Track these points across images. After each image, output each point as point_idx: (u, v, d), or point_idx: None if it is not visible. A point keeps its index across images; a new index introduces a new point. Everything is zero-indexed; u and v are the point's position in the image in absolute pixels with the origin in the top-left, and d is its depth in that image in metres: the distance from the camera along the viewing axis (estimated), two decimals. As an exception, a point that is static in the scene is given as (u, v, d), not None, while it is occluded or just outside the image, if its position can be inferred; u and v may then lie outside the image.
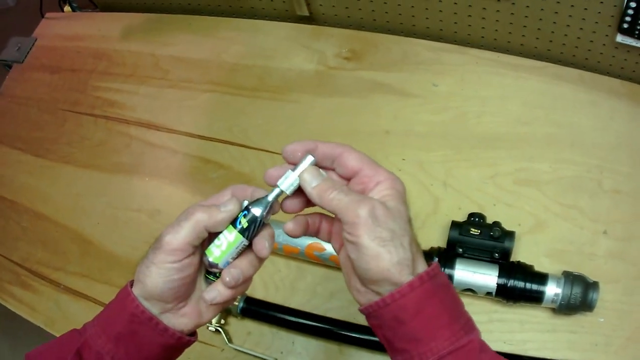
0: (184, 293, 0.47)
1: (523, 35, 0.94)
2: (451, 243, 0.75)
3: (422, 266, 0.44)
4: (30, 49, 1.24)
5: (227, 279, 0.47)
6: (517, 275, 0.71)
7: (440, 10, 0.96)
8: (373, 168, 0.46)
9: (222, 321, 0.82)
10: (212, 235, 0.47)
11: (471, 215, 0.78)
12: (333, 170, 0.48)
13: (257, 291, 0.84)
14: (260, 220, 0.46)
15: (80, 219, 1.00)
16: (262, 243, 0.47)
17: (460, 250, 0.74)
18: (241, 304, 0.81)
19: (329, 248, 0.80)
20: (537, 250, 0.77)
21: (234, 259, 0.48)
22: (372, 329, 0.47)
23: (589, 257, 0.76)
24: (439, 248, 0.77)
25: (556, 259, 0.76)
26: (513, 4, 0.88)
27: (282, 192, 0.47)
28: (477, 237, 0.74)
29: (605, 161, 0.82)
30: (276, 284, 0.85)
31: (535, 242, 0.78)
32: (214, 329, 0.81)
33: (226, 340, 0.81)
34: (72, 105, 1.14)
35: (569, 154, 0.84)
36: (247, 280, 0.49)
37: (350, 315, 0.79)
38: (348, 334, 0.78)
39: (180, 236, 0.44)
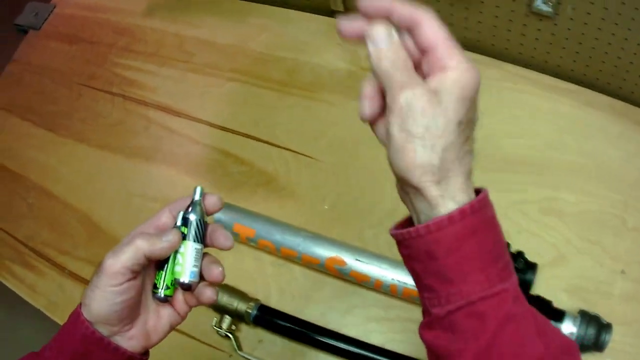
0: (128, 315, 0.49)
1: (560, 57, 0.93)
2: None
3: (457, 182, 0.39)
4: (48, 15, 1.22)
5: (209, 293, 0.50)
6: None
7: (480, 22, 0.94)
8: (447, 49, 0.40)
9: (233, 327, 0.81)
10: (156, 262, 0.50)
11: None
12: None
13: (272, 298, 0.83)
14: (198, 220, 0.50)
15: (90, 202, 0.99)
16: (218, 237, 0.50)
17: None
18: (254, 312, 0.80)
19: (350, 262, 0.79)
20: (555, 284, 0.77)
21: (198, 266, 0.50)
22: (402, 257, 0.44)
23: (605, 295, 0.76)
24: None
25: (573, 295, 0.76)
26: (555, 24, 0.87)
27: (202, 190, 0.51)
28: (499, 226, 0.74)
29: (630, 197, 0.81)
30: (292, 292, 0.84)
31: (554, 275, 0.77)
32: (224, 334, 0.80)
33: (235, 346, 0.80)
34: (89, 80, 1.12)
35: (595, 186, 0.83)
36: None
37: (366, 334, 0.78)
38: (362, 352, 0.76)
39: (120, 260, 0.46)
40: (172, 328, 0.53)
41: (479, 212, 0.39)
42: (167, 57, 1.09)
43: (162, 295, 0.50)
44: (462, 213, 0.38)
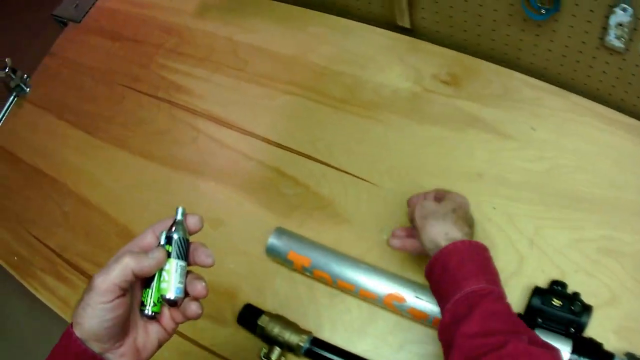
0: (119, 332, 0.51)
1: (625, 92, 0.90)
2: (532, 311, 0.74)
3: (458, 234, 0.67)
4: (90, 8, 1.17)
5: (194, 308, 0.54)
6: (588, 353, 0.70)
7: (550, 50, 0.92)
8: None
9: (282, 358, 0.78)
10: (142, 281, 0.53)
11: (554, 283, 0.77)
12: None
13: (324, 330, 0.80)
14: (181, 239, 0.53)
15: (130, 214, 0.95)
16: (199, 255, 0.54)
17: (540, 320, 0.73)
18: (307, 345, 0.77)
19: (409, 299, 0.77)
20: (606, 325, 0.75)
21: (182, 282, 0.53)
22: (430, 284, 0.68)
23: None
24: (519, 315, 0.75)
25: (622, 337, 0.74)
26: (624, 59, 0.84)
27: (184, 210, 0.55)
28: (558, 309, 0.74)
29: None
30: (345, 324, 0.81)
31: (606, 316, 0.76)
32: None
33: None
34: (132, 82, 1.07)
35: None
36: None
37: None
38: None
39: (110, 278, 0.48)
40: (161, 345, 0.56)
41: (478, 244, 0.66)
42: (219, 63, 1.04)
43: (150, 313, 0.53)
44: (462, 243, 0.66)
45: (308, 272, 0.81)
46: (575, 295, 0.75)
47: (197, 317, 0.55)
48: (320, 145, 0.93)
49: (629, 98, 0.91)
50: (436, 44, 1.00)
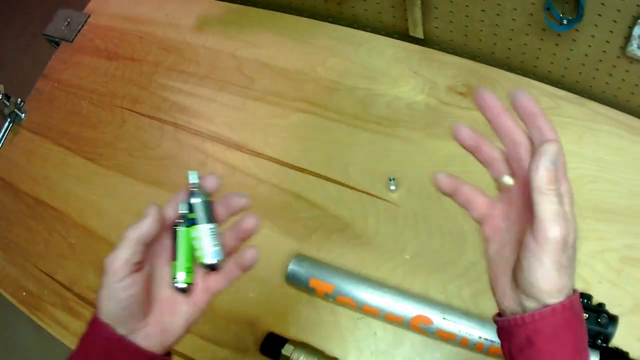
0: (138, 312, 0.54)
1: None
2: None
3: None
4: (82, 26, 1.22)
5: (250, 253, 0.58)
6: None
7: (568, 59, 0.98)
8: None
9: None
10: (167, 255, 0.57)
11: (580, 295, 0.81)
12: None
13: (350, 355, 0.86)
14: (202, 202, 0.56)
15: (140, 244, 0.99)
16: (233, 201, 0.59)
17: None
18: None
19: (436, 321, 0.81)
20: (631, 333, 0.81)
21: (218, 244, 0.57)
22: (499, 338, 0.53)
23: None
24: None
25: None
26: None
27: (197, 173, 0.57)
28: (585, 322, 0.78)
29: None
30: (370, 348, 0.86)
31: (630, 324, 0.81)
32: None
33: None
34: (132, 104, 1.12)
35: None
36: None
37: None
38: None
39: (117, 255, 0.52)
40: (189, 326, 0.58)
41: (574, 307, 0.48)
42: (223, 81, 1.10)
43: (182, 285, 0.56)
44: (563, 307, 0.47)
45: (331, 298, 0.87)
46: (601, 306, 0.81)
47: (254, 263, 0.59)
48: (335, 164, 0.98)
49: None
50: (449, 52, 1.06)
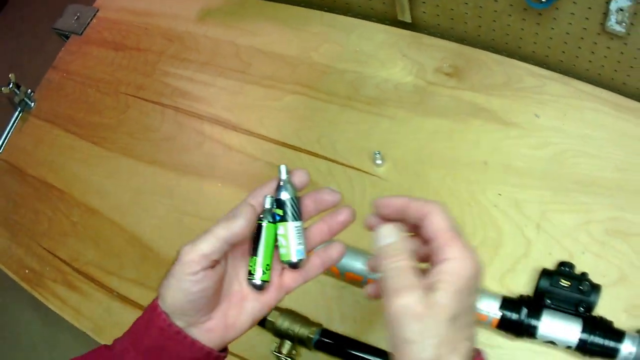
0: (205, 306, 0.52)
1: (628, 75, 0.99)
2: (540, 292, 0.82)
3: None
4: (91, 20, 1.30)
5: (337, 249, 0.58)
6: (598, 331, 0.77)
7: (551, 38, 1.01)
8: (447, 240, 0.47)
9: (294, 352, 0.87)
10: (245, 250, 0.56)
11: (562, 264, 0.84)
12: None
13: (334, 322, 0.89)
14: (292, 199, 0.55)
15: (139, 220, 1.05)
16: (323, 197, 0.58)
17: (549, 301, 0.81)
18: (316, 337, 0.86)
19: None
20: (616, 304, 0.82)
21: (302, 243, 0.56)
22: None
23: None
24: (528, 297, 0.83)
25: (632, 315, 0.82)
26: (625, 44, 0.93)
27: (287, 167, 0.56)
28: (566, 289, 0.80)
29: None
30: (354, 316, 0.89)
31: (616, 296, 0.83)
32: (283, 359, 0.86)
33: None
34: (137, 90, 1.19)
35: None
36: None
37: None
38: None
39: (198, 249, 0.50)
40: (255, 322, 0.57)
41: None
42: (222, 67, 1.16)
43: (260, 282, 0.55)
44: None
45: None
46: (584, 275, 0.82)
47: (340, 259, 0.59)
48: (325, 142, 1.03)
49: (632, 81, 0.99)
50: (437, 37, 1.10)
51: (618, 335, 0.77)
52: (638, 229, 0.87)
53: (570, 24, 0.96)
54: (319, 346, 0.86)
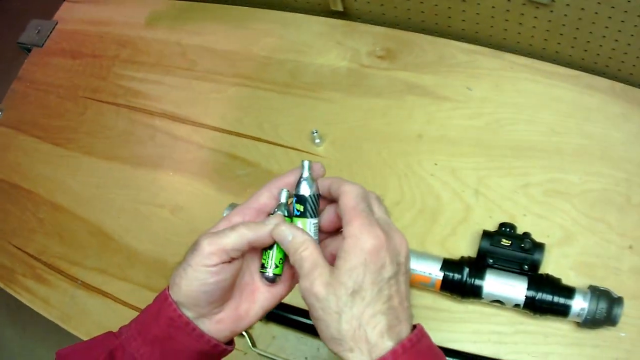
0: (218, 298, 0.53)
1: (559, 43, 1.03)
2: (482, 253, 0.83)
3: (376, 337, 0.46)
4: (51, 32, 1.37)
5: None
6: (546, 288, 0.78)
7: (478, 13, 1.06)
8: (350, 218, 0.49)
9: None
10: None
11: (502, 225, 0.86)
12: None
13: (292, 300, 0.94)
14: (313, 195, 0.55)
15: (100, 212, 1.12)
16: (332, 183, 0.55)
17: (491, 261, 0.82)
18: None
19: None
20: (564, 263, 0.86)
21: (317, 240, 0.55)
22: None
23: (614, 271, 0.84)
24: (469, 258, 0.85)
25: (582, 272, 0.85)
26: (551, 11, 0.97)
27: (310, 162, 0.56)
28: (508, 248, 0.81)
29: (634, 175, 0.91)
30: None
31: (563, 254, 0.86)
32: None
33: (250, 344, 0.90)
34: (94, 93, 1.26)
35: (599, 166, 0.93)
36: None
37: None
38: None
39: (220, 242, 0.51)
40: (265, 313, 0.57)
41: (418, 344, 0.47)
42: (171, 66, 1.23)
43: (272, 275, 0.55)
44: (402, 347, 0.46)
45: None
46: (526, 234, 0.84)
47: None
48: (266, 127, 1.10)
49: (563, 49, 1.03)
50: (370, 23, 1.17)
51: (568, 291, 0.78)
52: (578, 188, 0.91)
53: (495, -4, 0.99)
54: (270, 317, 0.91)
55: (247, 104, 1.14)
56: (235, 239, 0.51)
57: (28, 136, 1.26)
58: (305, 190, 0.55)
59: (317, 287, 0.48)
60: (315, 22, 1.20)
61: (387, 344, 0.46)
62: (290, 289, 0.59)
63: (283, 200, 0.56)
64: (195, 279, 0.51)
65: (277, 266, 0.55)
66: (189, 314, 0.52)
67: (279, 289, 0.58)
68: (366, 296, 0.47)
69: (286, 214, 0.56)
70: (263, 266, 0.56)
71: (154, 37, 1.29)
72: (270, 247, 0.55)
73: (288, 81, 1.14)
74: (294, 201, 0.55)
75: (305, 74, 1.14)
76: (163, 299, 0.52)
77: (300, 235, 0.52)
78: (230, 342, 0.57)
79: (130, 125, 1.19)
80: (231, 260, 0.52)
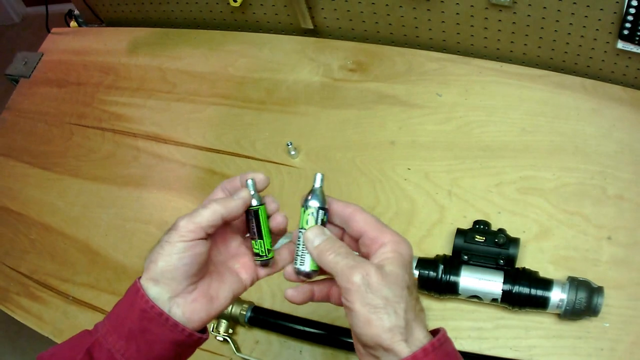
0: (194, 273, 0.55)
1: (525, 45, 1.06)
2: (456, 250, 0.84)
3: (420, 332, 0.49)
4: (37, 63, 1.42)
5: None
6: (522, 281, 0.79)
7: (443, 21, 1.09)
8: (378, 229, 0.54)
9: (230, 330, 0.93)
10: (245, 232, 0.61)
11: (476, 222, 0.87)
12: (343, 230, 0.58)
13: (265, 301, 0.96)
14: (319, 208, 0.57)
15: (88, 231, 1.15)
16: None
17: (466, 257, 0.83)
18: (249, 313, 0.92)
19: None
20: (542, 257, 0.87)
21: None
22: None
23: (593, 263, 0.85)
24: (444, 255, 0.86)
25: (561, 266, 0.86)
26: (514, 13, 1.00)
27: (323, 176, 0.59)
28: (482, 244, 0.83)
29: (608, 168, 0.93)
30: (283, 293, 0.98)
31: (540, 249, 0.88)
32: (222, 339, 0.92)
33: (234, 349, 0.92)
34: (79, 119, 1.31)
35: (572, 161, 0.95)
36: None
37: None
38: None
39: (195, 221, 0.54)
40: (234, 297, 0.60)
41: (440, 348, 0.49)
42: (152, 90, 1.28)
43: (267, 259, 0.60)
44: (424, 351, 0.48)
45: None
46: (500, 230, 0.85)
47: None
48: (244, 143, 1.15)
49: (530, 50, 1.05)
50: (340, 39, 1.23)
51: (545, 283, 0.78)
52: (553, 184, 0.93)
53: (458, 4, 1.02)
54: (252, 322, 0.92)
55: (225, 121, 1.19)
56: (209, 216, 0.54)
57: (18, 162, 1.30)
58: (312, 202, 0.57)
59: (376, 276, 0.50)
60: (287, 40, 1.25)
61: (424, 341, 0.49)
62: (252, 278, 0.62)
63: (252, 191, 0.59)
64: (173, 253, 0.53)
65: (269, 251, 0.60)
66: (164, 294, 0.54)
67: (243, 275, 0.61)
68: (414, 294, 0.52)
69: (263, 203, 0.59)
70: (258, 255, 0.60)
71: (136, 63, 1.34)
72: (261, 236, 0.59)
73: (264, 98, 1.19)
74: (310, 214, 0.57)
75: (280, 90, 1.19)
76: (135, 292, 0.53)
77: (332, 237, 0.56)
78: (204, 331, 0.58)
79: (115, 148, 1.23)
80: (207, 236, 0.55)
